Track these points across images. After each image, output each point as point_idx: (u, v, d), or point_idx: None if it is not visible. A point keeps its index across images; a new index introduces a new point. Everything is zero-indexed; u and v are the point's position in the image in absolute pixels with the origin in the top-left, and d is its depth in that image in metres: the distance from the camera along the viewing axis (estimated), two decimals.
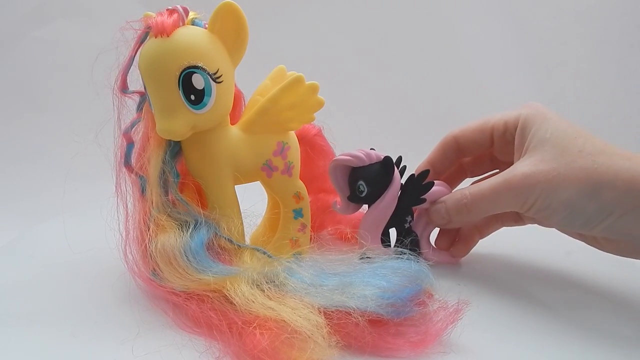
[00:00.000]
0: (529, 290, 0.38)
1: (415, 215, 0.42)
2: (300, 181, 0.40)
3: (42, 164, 0.85)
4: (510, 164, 0.38)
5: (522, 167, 0.35)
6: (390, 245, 0.40)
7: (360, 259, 0.36)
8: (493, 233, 0.44)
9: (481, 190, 0.37)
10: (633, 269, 0.42)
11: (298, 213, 0.40)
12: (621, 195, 0.32)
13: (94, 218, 0.36)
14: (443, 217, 0.40)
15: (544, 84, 0.99)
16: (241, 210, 0.37)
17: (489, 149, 0.42)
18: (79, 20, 0.92)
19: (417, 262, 0.32)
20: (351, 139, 0.44)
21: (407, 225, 0.41)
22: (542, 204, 0.35)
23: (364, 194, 0.39)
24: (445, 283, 0.37)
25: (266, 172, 0.37)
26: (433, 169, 0.43)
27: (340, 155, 0.40)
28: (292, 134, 0.38)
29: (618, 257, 0.36)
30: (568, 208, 0.34)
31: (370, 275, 0.31)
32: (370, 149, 0.39)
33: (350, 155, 0.39)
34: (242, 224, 0.36)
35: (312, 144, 0.42)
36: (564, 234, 0.39)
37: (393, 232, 0.42)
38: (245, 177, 0.36)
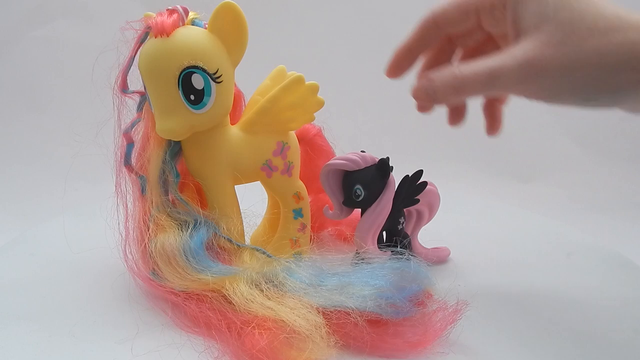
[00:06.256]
0: (529, 291, 0.38)
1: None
2: (300, 181, 0.40)
3: (42, 164, 0.85)
4: (506, 37, 0.33)
5: (525, 51, 0.30)
6: (385, 248, 0.40)
7: (354, 261, 0.35)
8: (492, 233, 0.44)
9: (475, 73, 0.31)
10: (633, 269, 0.42)
11: (298, 213, 0.40)
12: None
13: (94, 218, 0.36)
14: (428, 95, 0.33)
15: None
16: (241, 210, 0.37)
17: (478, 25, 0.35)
18: (79, 20, 0.92)
19: (417, 262, 0.32)
20: (351, 139, 0.43)
21: (400, 227, 0.40)
22: (550, 92, 0.31)
23: (360, 198, 0.38)
24: (444, 283, 0.37)
25: (266, 172, 0.37)
26: (412, 54, 0.37)
27: (333, 160, 0.38)
28: (292, 134, 0.38)
29: (618, 257, 0.36)
30: (580, 96, 0.30)
31: (369, 276, 0.31)
32: (361, 151, 0.38)
33: (345, 159, 0.38)
34: (241, 223, 0.36)
35: (312, 144, 0.42)
36: (563, 235, 0.38)
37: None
38: (245, 177, 0.36)
